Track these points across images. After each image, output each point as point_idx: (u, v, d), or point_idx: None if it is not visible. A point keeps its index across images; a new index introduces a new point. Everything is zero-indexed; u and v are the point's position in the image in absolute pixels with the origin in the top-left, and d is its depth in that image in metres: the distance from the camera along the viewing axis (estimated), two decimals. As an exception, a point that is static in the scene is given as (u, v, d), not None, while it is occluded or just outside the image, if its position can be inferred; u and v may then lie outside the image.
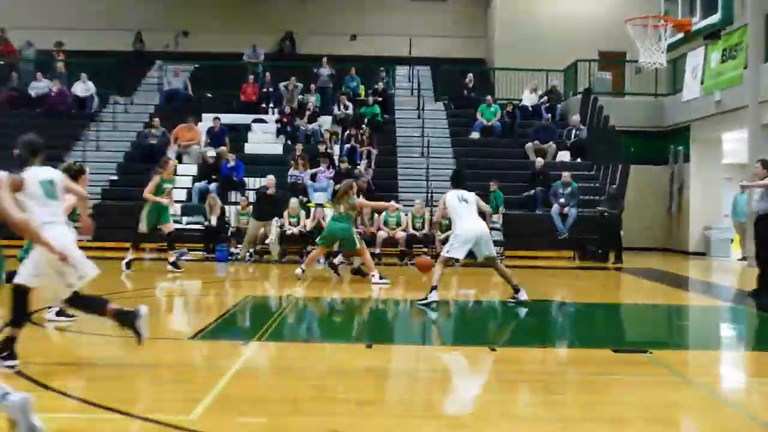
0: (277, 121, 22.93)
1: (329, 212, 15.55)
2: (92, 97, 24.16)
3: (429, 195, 19.41)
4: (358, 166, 20.11)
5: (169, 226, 14.23)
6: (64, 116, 23.31)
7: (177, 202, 17.14)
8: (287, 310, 10.34)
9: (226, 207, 18.58)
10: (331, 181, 19.31)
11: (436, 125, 23.85)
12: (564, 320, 10.44)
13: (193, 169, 20.67)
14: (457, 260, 11.29)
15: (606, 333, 9.43)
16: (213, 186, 19.53)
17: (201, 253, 17.64)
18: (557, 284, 14.27)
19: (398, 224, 17.19)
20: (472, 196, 10.77)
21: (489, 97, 23.84)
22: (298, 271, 13.21)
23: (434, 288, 10.45)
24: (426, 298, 10.42)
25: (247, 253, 16.74)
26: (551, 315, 10.76)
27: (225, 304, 10.75)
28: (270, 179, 17.79)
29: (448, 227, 14.43)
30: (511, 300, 10.80)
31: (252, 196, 18.59)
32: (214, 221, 17.94)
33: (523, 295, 10.82)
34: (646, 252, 22.65)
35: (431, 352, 7.96)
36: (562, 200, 19.48)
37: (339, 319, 10.13)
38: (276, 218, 16.79)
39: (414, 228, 17.44)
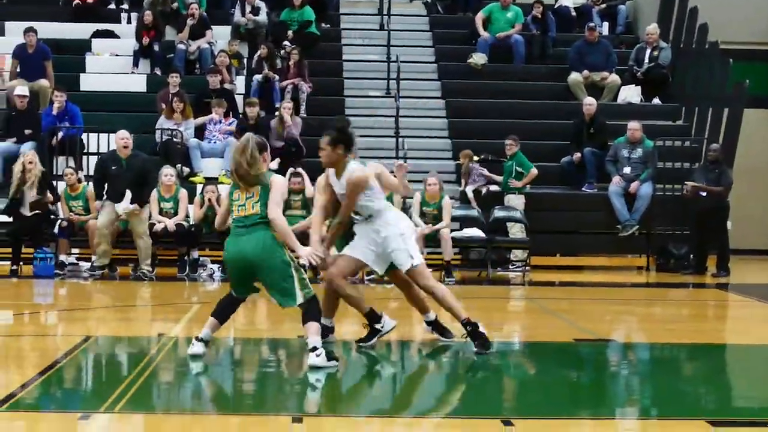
0: (136, 37, 19.84)
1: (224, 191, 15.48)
2: None
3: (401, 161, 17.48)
4: (277, 113, 17.64)
5: None
6: None
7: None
8: (158, 360, 9.12)
9: (54, 183, 15.89)
10: (231, 137, 16.83)
11: (412, 42, 21.03)
12: (629, 373, 9.12)
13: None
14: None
15: (702, 395, 8.20)
16: (27, 146, 16.98)
17: (5, 264, 15.79)
18: (618, 313, 13.06)
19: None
20: None
21: (505, -8, 20.72)
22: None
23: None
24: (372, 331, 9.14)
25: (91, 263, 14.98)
26: (608, 364, 9.61)
27: (49, 351, 9.50)
28: (122, 138, 14.85)
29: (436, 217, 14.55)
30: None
31: (91, 165, 16.09)
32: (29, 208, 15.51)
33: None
34: (770, 256, 21.04)
35: (402, 428, 6.74)
36: (627, 170, 17.14)
37: (247, 375, 8.62)
38: (126, 203, 14.51)
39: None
